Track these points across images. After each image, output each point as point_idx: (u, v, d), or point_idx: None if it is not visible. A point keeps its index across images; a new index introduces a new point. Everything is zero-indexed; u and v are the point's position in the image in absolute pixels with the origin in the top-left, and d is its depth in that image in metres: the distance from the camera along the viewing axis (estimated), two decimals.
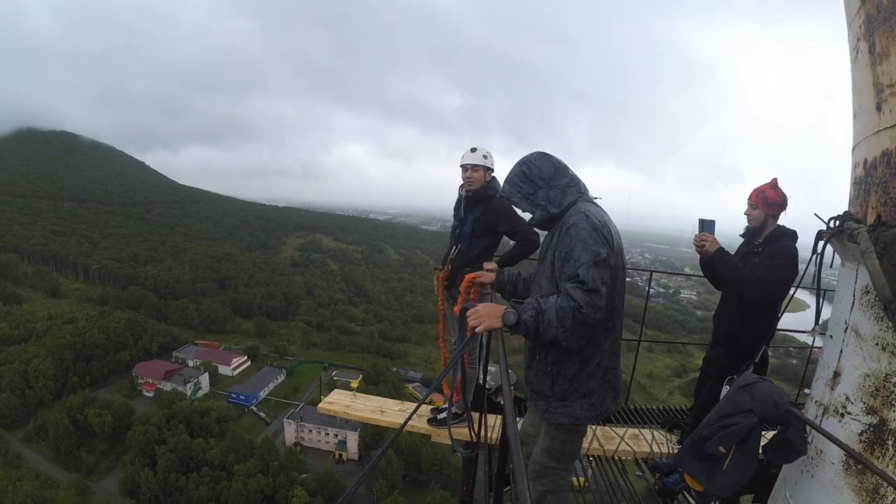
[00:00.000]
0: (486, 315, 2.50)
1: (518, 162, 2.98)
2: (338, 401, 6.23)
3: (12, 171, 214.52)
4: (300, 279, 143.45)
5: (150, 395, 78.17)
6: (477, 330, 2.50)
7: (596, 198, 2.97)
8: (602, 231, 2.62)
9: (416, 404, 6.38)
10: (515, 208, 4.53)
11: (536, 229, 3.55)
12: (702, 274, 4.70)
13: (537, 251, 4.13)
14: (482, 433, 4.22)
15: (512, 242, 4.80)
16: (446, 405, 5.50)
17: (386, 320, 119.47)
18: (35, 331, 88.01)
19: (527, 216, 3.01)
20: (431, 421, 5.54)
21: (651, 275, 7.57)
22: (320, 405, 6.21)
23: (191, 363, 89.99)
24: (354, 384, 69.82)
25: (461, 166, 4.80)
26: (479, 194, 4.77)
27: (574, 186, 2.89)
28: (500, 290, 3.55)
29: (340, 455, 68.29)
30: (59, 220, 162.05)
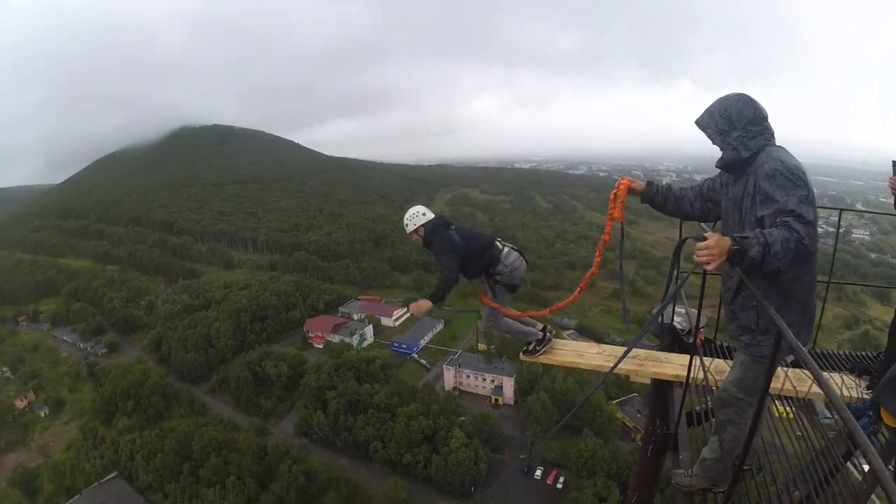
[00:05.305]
0: (719, 251, 2.51)
1: (721, 98, 3.13)
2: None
3: (175, 167, 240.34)
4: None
5: (320, 346, 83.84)
6: (708, 268, 2.57)
7: (778, 145, 3.06)
8: (800, 173, 2.80)
9: (620, 348, 5.99)
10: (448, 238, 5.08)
11: (720, 169, 3.36)
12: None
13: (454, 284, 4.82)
14: (692, 373, 4.26)
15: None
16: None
17: (538, 269, 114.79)
18: (214, 298, 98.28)
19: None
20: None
21: (840, 213, 6.97)
22: (521, 355, 5.86)
23: (356, 317, 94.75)
24: None
25: None
26: (425, 245, 5.26)
27: (765, 135, 3.02)
28: (649, 201, 3.75)
29: (496, 400, 68.65)
30: (224, 203, 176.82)
